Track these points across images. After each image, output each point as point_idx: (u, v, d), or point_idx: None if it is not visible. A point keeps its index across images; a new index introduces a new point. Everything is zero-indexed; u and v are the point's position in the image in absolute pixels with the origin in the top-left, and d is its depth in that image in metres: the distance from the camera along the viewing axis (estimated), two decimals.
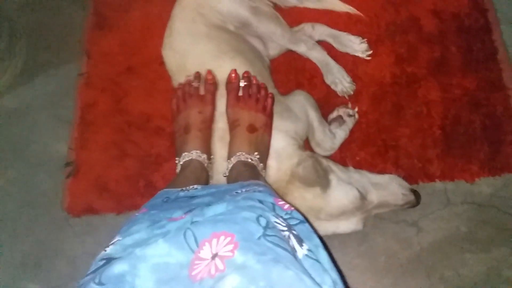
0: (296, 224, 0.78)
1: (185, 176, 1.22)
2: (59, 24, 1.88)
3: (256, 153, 1.23)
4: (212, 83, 1.35)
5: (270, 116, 1.33)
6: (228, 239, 0.66)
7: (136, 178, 1.61)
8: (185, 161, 1.26)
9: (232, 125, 1.30)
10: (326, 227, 1.28)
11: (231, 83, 1.33)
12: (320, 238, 0.77)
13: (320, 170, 1.25)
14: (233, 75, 1.32)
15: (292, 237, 0.72)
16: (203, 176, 1.24)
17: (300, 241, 0.72)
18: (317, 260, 0.70)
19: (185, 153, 1.26)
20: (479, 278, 1.39)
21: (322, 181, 1.24)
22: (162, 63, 1.55)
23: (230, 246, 0.65)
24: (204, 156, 1.27)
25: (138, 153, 1.64)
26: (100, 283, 0.66)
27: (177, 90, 1.38)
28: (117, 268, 0.66)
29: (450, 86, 1.60)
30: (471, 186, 1.49)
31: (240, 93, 1.32)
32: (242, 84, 1.33)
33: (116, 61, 1.77)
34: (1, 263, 1.57)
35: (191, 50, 1.42)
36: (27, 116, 1.75)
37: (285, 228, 0.73)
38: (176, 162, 1.28)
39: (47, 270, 1.54)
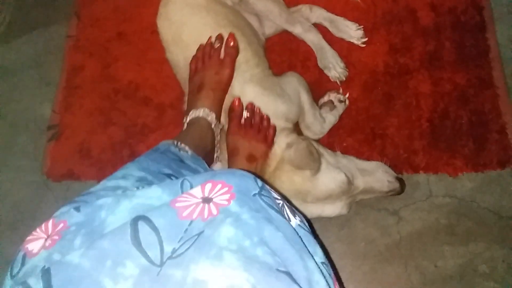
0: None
1: (188, 133, 1.18)
2: None
3: None
4: (233, 47, 1.32)
5: (270, 147, 1.29)
6: (225, 189, 0.65)
7: (120, 147, 1.59)
8: (192, 118, 1.22)
9: (231, 153, 1.28)
10: (311, 210, 1.28)
11: (234, 111, 1.29)
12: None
13: (315, 153, 1.25)
14: (236, 102, 1.29)
15: (286, 206, 0.72)
16: (208, 136, 1.21)
17: (293, 212, 0.72)
18: (309, 232, 0.70)
19: (193, 110, 1.23)
20: (455, 270, 1.41)
21: (314, 164, 1.23)
22: (154, 32, 1.52)
23: (227, 196, 0.64)
24: (213, 115, 1.24)
25: (124, 122, 1.62)
26: (78, 209, 0.64)
27: (198, 50, 1.35)
28: (101, 200, 0.65)
29: (441, 80, 1.61)
30: (453, 180, 1.50)
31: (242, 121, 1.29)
32: (245, 114, 1.29)
33: (107, 25, 1.73)
34: None
35: (188, 21, 1.39)
36: (11, 75, 1.71)
37: (279, 197, 0.73)
38: (183, 121, 1.24)
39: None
